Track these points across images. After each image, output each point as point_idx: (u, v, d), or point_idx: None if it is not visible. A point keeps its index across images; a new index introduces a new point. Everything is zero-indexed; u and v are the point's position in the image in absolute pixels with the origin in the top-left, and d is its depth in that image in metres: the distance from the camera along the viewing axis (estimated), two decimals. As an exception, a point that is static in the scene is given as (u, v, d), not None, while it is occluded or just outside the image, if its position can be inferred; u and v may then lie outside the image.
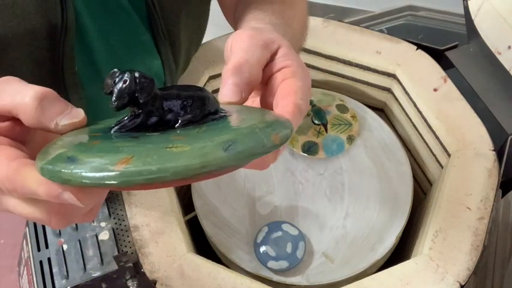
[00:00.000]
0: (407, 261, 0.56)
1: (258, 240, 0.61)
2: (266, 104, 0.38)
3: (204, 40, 0.72)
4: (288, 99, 0.35)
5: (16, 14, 0.46)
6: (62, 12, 0.47)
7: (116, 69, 0.32)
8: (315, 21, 0.75)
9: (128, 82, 0.30)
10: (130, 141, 0.30)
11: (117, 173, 0.27)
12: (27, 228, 0.63)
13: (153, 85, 0.31)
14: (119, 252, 0.57)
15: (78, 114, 0.31)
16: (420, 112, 0.69)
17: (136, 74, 0.31)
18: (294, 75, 0.37)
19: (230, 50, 0.38)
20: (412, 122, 0.72)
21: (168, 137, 0.30)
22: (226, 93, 0.36)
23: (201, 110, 0.33)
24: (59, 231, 0.59)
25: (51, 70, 0.50)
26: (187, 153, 0.27)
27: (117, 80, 0.31)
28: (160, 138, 0.30)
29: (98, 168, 0.27)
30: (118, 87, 0.31)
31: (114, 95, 0.31)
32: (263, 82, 0.38)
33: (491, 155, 0.63)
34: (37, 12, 0.47)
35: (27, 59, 0.49)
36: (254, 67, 0.37)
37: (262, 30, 0.40)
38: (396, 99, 0.74)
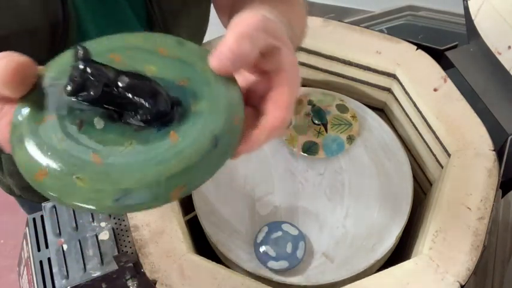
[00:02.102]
0: (407, 261, 0.56)
1: (258, 240, 0.61)
2: (249, 98, 0.38)
3: (204, 40, 0.72)
4: (278, 111, 0.36)
5: (18, 15, 0.46)
6: (62, 12, 0.48)
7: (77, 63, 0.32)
8: (315, 21, 0.75)
9: (76, 80, 0.31)
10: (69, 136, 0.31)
11: (35, 182, 0.31)
12: (27, 228, 0.63)
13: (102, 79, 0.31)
14: (119, 252, 0.58)
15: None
16: (420, 112, 0.69)
17: (81, 66, 0.31)
18: (287, 83, 0.36)
19: (235, 25, 0.36)
20: (412, 122, 0.72)
21: (93, 151, 0.31)
22: (217, 58, 0.34)
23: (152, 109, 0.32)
24: (59, 231, 0.59)
25: None
26: (81, 191, 0.30)
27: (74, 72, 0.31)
28: (84, 149, 0.31)
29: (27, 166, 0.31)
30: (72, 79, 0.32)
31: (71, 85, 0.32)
32: (255, 71, 0.38)
33: (491, 155, 0.63)
34: (38, 13, 0.47)
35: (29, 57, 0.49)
36: (255, 44, 0.35)
37: (273, 21, 0.38)
38: (396, 99, 0.74)
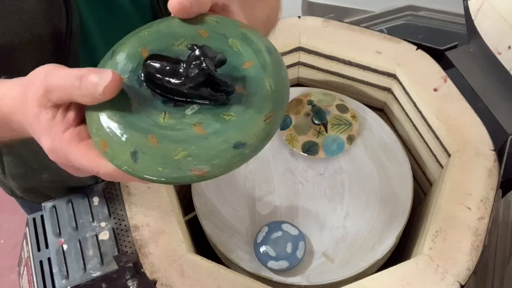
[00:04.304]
0: (407, 261, 0.56)
1: (258, 240, 0.61)
2: None
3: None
4: None
5: (22, 20, 0.46)
6: (67, 17, 0.48)
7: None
8: (315, 21, 0.75)
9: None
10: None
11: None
12: (27, 228, 0.63)
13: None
14: (119, 252, 0.58)
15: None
16: (420, 112, 0.69)
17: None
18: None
19: None
20: (412, 122, 0.72)
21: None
22: (176, 2, 0.37)
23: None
24: (59, 231, 0.59)
25: None
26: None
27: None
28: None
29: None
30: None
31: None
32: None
33: (491, 155, 0.63)
34: (43, 18, 0.47)
35: (33, 63, 0.49)
36: None
37: None
38: (396, 99, 0.74)
